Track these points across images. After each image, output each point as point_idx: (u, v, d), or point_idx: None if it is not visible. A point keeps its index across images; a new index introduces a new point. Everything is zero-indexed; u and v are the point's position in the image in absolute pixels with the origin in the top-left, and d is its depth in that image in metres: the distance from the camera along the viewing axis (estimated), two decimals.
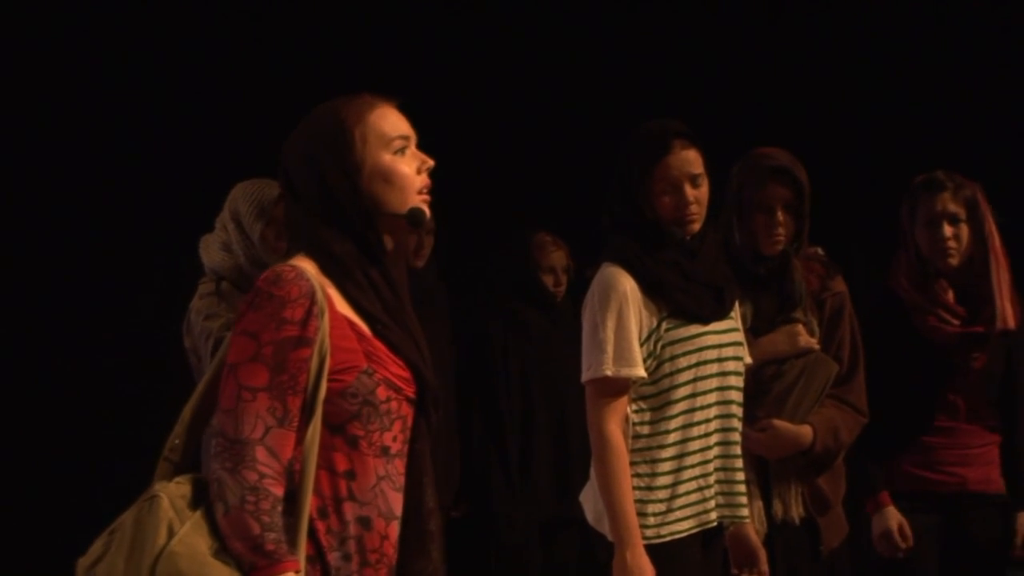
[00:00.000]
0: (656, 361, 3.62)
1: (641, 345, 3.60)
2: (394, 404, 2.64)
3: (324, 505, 2.58)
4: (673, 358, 3.62)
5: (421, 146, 2.75)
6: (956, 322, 4.33)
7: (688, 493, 3.64)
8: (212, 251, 4.12)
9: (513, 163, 6.41)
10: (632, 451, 3.60)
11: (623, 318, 3.58)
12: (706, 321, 3.66)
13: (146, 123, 6.02)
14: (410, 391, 2.68)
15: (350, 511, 2.59)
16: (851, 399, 4.14)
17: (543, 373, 5.60)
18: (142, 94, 6.03)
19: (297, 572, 2.49)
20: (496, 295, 5.73)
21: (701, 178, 3.67)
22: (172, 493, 2.53)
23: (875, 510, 4.34)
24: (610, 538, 3.59)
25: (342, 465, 2.59)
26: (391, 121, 2.72)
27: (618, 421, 3.59)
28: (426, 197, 2.71)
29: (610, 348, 3.57)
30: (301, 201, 2.68)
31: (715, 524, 3.69)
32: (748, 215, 4.04)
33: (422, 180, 2.71)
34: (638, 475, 3.60)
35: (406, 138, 2.72)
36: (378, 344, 2.64)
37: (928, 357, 4.33)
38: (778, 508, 4.02)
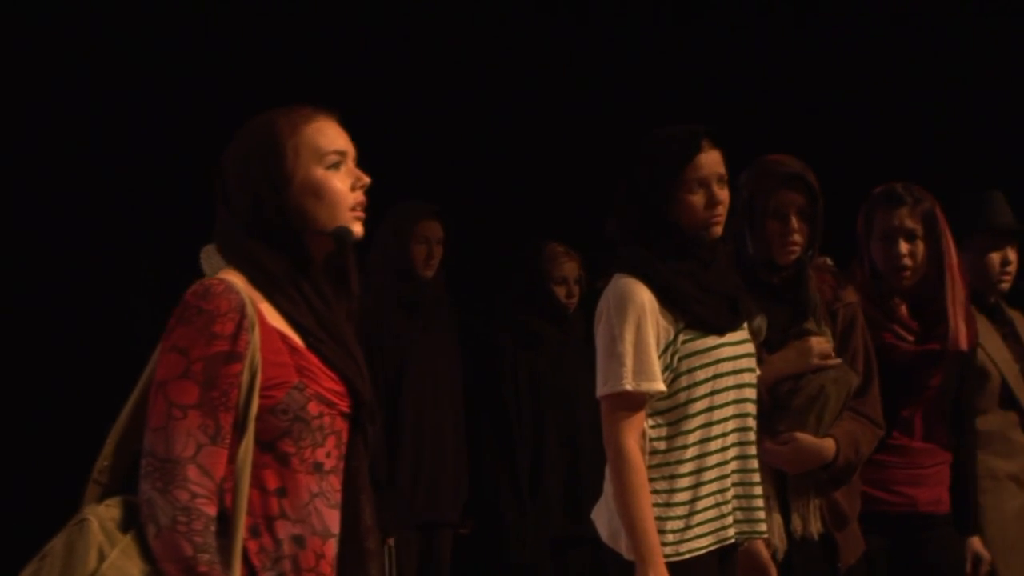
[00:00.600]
0: (673, 374, 3.55)
1: (658, 358, 3.52)
2: (327, 419, 2.59)
3: (256, 524, 2.53)
4: (690, 371, 3.55)
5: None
6: (911, 338, 4.28)
7: (706, 509, 3.57)
8: (215, 261, 4.07)
9: (524, 173, 6.38)
10: (649, 467, 3.53)
11: (642, 330, 3.51)
12: (722, 332, 3.60)
13: (146, 130, 5.99)
14: (344, 405, 2.63)
15: (283, 530, 2.55)
16: (867, 411, 4.08)
17: (554, 386, 5.55)
18: (139, 100, 6.00)
19: None
20: (506, 306, 5.67)
21: (725, 180, 3.62)
22: (102, 516, 2.49)
23: None
24: (627, 556, 3.52)
25: (273, 483, 2.55)
26: (327, 135, 2.66)
27: (636, 437, 3.52)
28: (359, 215, 2.66)
29: (629, 362, 3.50)
30: (233, 213, 2.64)
31: (733, 541, 3.63)
32: (761, 223, 3.98)
33: (355, 197, 2.66)
34: (656, 491, 3.53)
35: (342, 153, 2.66)
36: (311, 357, 2.59)
37: (884, 374, 4.22)
38: (797, 524, 3.96)
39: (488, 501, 5.51)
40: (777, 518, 3.91)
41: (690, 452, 3.55)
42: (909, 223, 4.24)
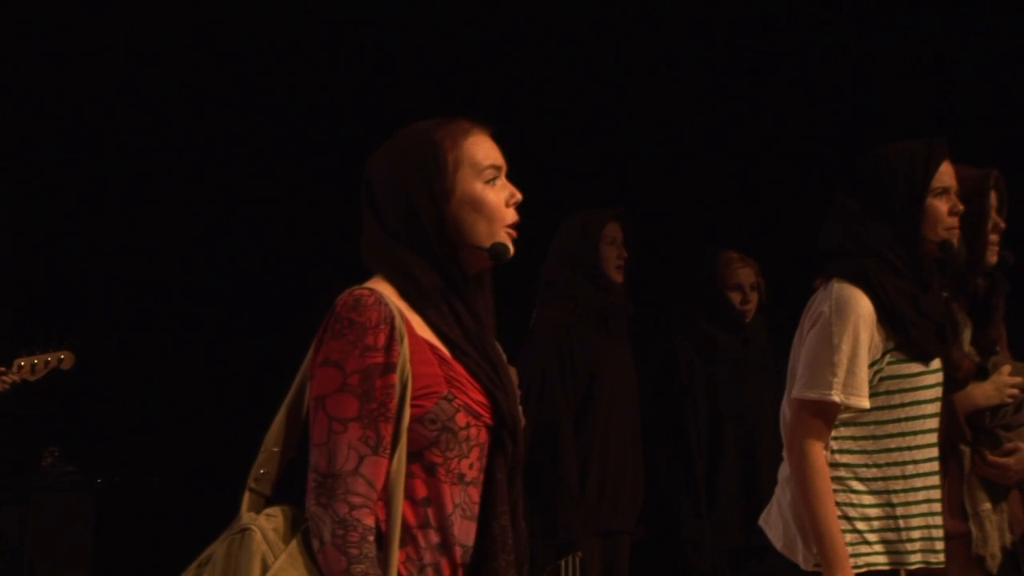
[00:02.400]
0: (870, 391, 3.53)
1: None
2: (473, 431, 2.60)
3: (403, 534, 2.55)
4: (888, 393, 3.55)
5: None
6: None
7: (885, 530, 3.56)
8: None
9: (702, 181, 6.36)
10: (830, 478, 3.52)
11: (859, 342, 3.49)
12: (928, 361, 3.58)
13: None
14: (488, 418, 2.63)
15: (429, 539, 2.56)
16: None
17: (731, 394, 5.50)
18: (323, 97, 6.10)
19: None
20: (683, 314, 5.64)
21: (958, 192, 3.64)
22: (264, 526, 2.53)
23: None
24: (803, 566, 3.53)
25: (421, 492, 2.56)
26: (485, 149, 2.66)
27: (824, 444, 3.51)
28: (513, 233, 2.65)
29: (842, 373, 3.49)
30: (384, 222, 2.63)
31: (914, 567, 3.61)
32: (980, 226, 3.92)
33: (511, 214, 2.66)
34: (836, 503, 3.51)
35: (498, 168, 2.66)
36: (459, 368, 2.60)
37: None
38: (1006, 536, 3.96)
39: (665, 508, 5.48)
40: (996, 532, 3.90)
41: (874, 471, 3.54)
42: None
